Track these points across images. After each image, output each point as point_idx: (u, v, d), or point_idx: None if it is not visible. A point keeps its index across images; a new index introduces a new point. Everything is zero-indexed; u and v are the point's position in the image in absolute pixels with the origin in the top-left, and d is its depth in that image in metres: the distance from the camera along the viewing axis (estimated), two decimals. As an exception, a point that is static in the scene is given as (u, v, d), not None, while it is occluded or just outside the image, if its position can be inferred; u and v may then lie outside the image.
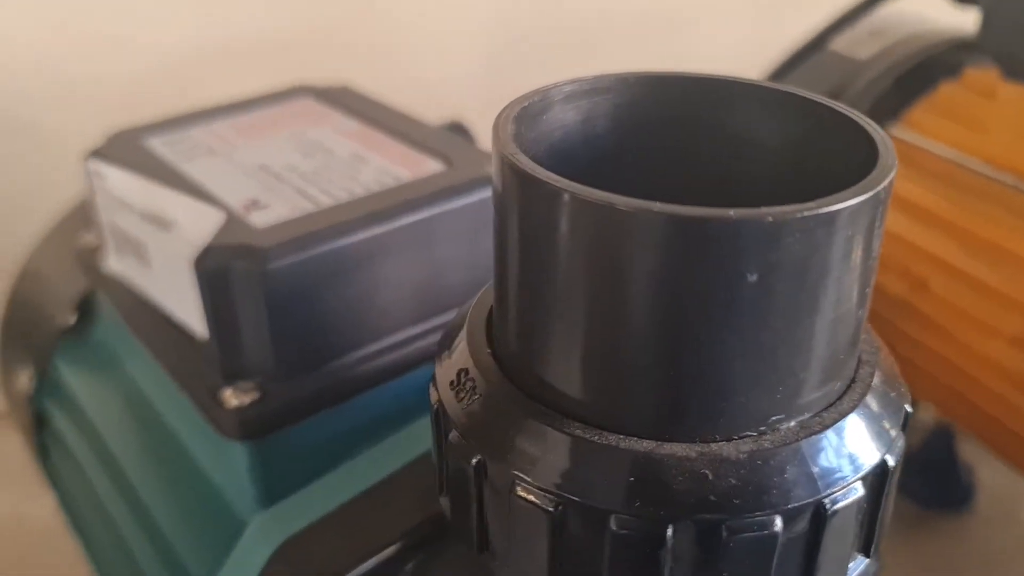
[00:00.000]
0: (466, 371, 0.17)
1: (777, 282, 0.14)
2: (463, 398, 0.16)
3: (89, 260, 0.31)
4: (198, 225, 0.23)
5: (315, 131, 0.30)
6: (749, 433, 0.15)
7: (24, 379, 0.34)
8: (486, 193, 0.26)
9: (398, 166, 0.27)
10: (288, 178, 0.27)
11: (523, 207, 0.15)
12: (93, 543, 0.32)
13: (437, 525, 0.20)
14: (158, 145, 0.29)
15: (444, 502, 0.18)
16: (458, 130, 0.32)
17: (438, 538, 0.20)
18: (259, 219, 0.24)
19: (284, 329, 0.23)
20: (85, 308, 0.34)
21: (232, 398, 0.23)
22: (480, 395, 0.16)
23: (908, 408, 0.17)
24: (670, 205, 0.13)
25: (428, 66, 0.66)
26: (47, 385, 0.34)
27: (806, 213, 0.13)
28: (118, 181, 0.27)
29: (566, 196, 0.14)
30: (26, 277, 0.37)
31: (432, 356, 0.26)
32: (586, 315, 0.15)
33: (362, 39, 0.66)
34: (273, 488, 0.24)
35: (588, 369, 0.15)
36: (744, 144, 0.17)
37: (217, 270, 0.23)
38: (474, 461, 0.16)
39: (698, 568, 0.15)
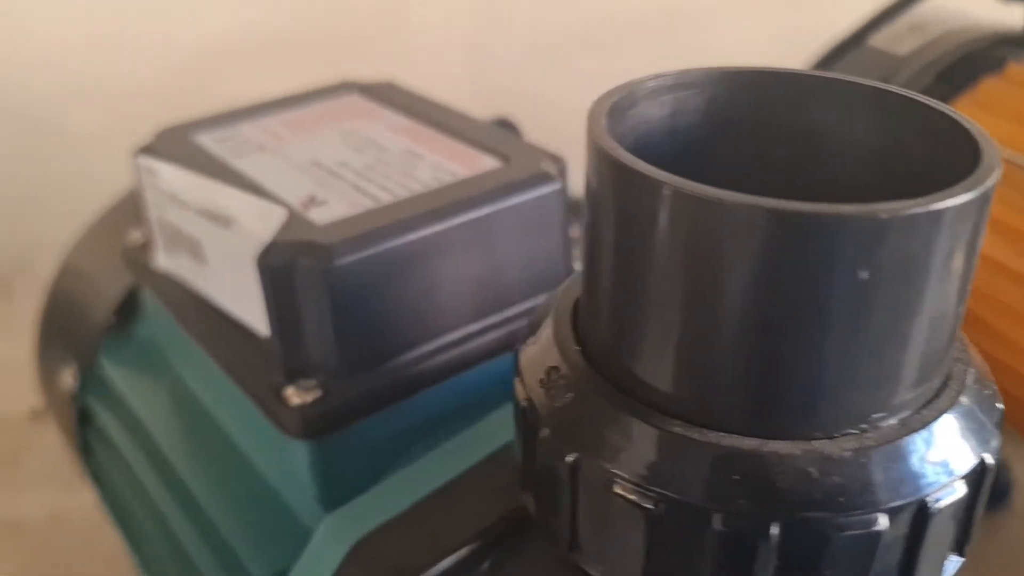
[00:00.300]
0: (556, 368, 0.17)
1: (885, 279, 0.14)
2: (554, 395, 0.16)
3: (136, 257, 0.31)
4: (260, 222, 0.23)
5: (365, 127, 0.30)
6: (850, 431, 0.15)
7: (67, 377, 0.34)
8: (544, 190, 0.26)
9: (453, 162, 0.27)
10: (343, 174, 0.26)
11: (623, 201, 0.15)
12: (139, 539, 0.32)
13: (512, 522, 0.20)
14: (207, 141, 0.29)
15: (528, 499, 0.18)
16: (506, 126, 0.32)
17: (513, 535, 0.20)
18: (319, 216, 0.24)
19: (347, 326, 0.23)
20: (129, 305, 0.34)
21: (295, 396, 0.23)
22: (572, 392, 0.16)
23: (1000, 405, 0.16)
24: (780, 201, 0.13)
25: (458, 61, 0.66)
26: (91, 383, 0.34)
27: (917, 210, 0.13)
28: (172, 178, 0.26)
29: (672, 191, 0.14)
30: (66, 274, 0.37)
31: (490, 354, 0.26)
32: (688, 311, 0.14)
33: (389, 34, 0.66)
34: (334, 486, 0.24)
35: (688, 366, 0.15)
36: (828, 141, 0.17)
37: (281, 267, 0.23)
38: (569, 459, 0.16)
39: (800, 567, 0.14)
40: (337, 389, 0.24)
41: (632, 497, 0.15)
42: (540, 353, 0.17)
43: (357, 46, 0.66)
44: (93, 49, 0.61)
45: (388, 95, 0.32)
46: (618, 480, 0.15)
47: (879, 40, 0.42)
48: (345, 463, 0.24)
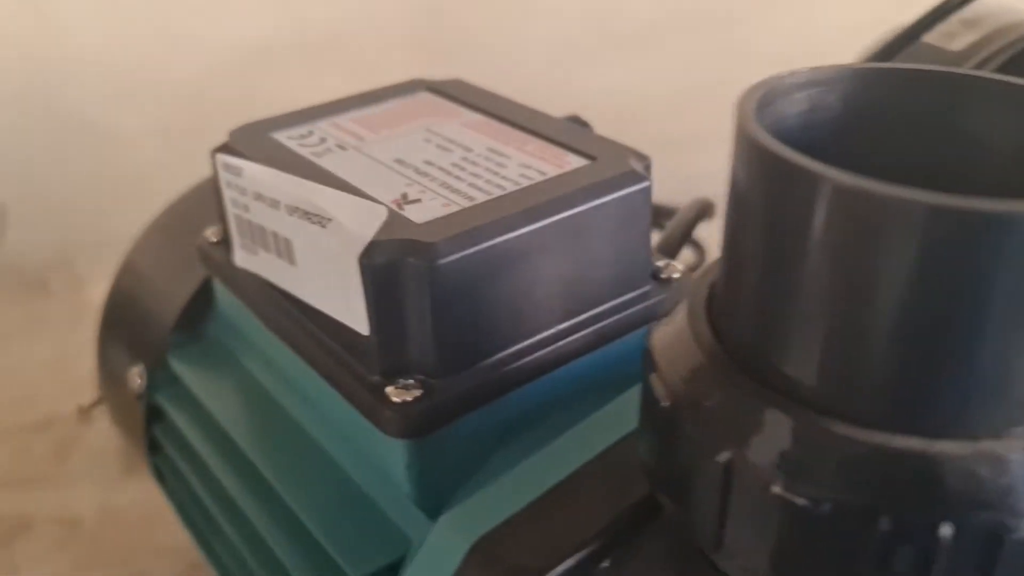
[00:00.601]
0: (698, 365, 0.16)
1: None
2: (699, 393, 0.16)
3: (212, 255, 0.31)
4: (360, 220, 0.23)
5: (442, 125, 0.30)
6: (1015, 429, 0.15)
7: (134, 376, 0.34)
8: (635, 188, 0.26)
9: (540, 161, 0.27)
10: (431, 173, 0.26)
11: (782, 196, 0.15)
12: (210, 536, 0.32)
13: (632, 520, 0.20)
14: (285, 140, 0.29)
15: (664, 499, 0.18)
16: (578, 123, 0.32)
17: (634, 533, 0.20)
18: (415, 214, 0.24)
19: (447, 324, 0.23)
20: (197, 303, 0.34)
21: (396, 394, 0.23)
22: (719, 389, 0.16)
23: None
24: (954, 197, 0.13)
25: (514, 59, 0.66)
26: (160, 382, 0.34)
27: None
28: (259, 176, 0.26)
29: (837, 186, 0.14)
30: (128, 273, 0.37)
31: (579, 352, 0.26)
32: (850, 307, 0.14)
33: (433, 31, 0.66)
34: (428, 485, 0.24)
35: (847, 363, 0.15)
36: (972, 140, 0.17)
37: (385, 266, 0.23)
38: (721, 459, 0.16)
39: (968, 570, 0.14)
40: (436, 388, 0.24)
41: (793, 498, 0.15)
42: (677, 348, 0.17)
43: (403, 43, 0.66)
44: (135, 47, 0.61)
45: (459, 92, 0.32)
46: (779, 481, 0.15)
47: (933, 36, 0.41)
48: (440, 462, 0.24)
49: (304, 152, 0.28)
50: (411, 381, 0.24)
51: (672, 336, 0.18)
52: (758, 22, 0.71)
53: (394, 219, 0.24)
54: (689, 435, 0.16)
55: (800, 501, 0.15)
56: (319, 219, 0.24)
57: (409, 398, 0.23)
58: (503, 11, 0.68)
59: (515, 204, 0.24)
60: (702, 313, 0.18)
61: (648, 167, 0.27)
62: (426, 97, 0.32)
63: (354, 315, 0.24)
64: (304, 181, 0.25)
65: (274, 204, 0.26)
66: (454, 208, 0.24)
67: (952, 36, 0.41)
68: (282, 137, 0.29)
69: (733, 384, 0.16)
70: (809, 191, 0.14)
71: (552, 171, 0.26)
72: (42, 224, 0.64)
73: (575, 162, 0.27)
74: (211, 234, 0.31)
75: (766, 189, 0.15)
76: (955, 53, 0.41)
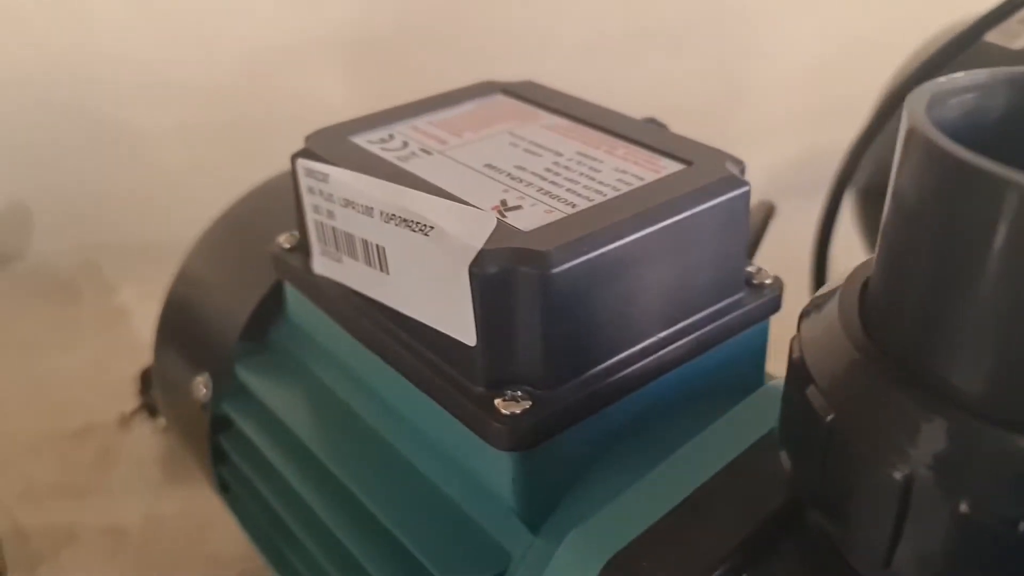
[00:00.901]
0: (863, 378, 0.16)
1: None
2: (867, 408, 0.16)
3: (287, 262, 0.30)
4: (467, 228, 0.23)
5: (524, 129, 0.29)
6: None
7: (199, 386, 0.34)
8: (735, 192, 0.25)
9: (634, 166, 0.26)
10: (525, 178, 0.26)
11: (957, 200, 0.14)
12: (288, 549, 0.31)
13: (770, 532, 0.19)
14: (366, 144, 0.28)
15: (818, 515, 0.17)
16: (656, 126, 0.31)
17: (773, 545, 0.19)
18: (519, 221, 0.23)
19: (558, 334, 0.23)
20: (263, 312, 0.33)
21: (505, 407, 0.23)
22: (888, 401, 0.16)
23: None
24: None
25: (540, 62, 0.66)
26: (227, 391, 0.33)
27: None
28: (347, 182, 0.26)
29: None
30: (188, 280, 0.36)
31: (681, 360, 0.26)
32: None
33: (467, 29, 0.65)
34: (532, 498, 0.24)
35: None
36: None
37: (496, 275, 0.22)
38: (898, 476, 0.15)
39: None
40: (544, 399, 0.23)
41: (983, 517, 0.14)
42: (833, 359, 0.17)
43: (429, 43, 0.65)
44: (163, 48, 0.60)
45: (534, 94, 0.31)
46: (965, 499, 0.14)
47: (994, 35, 0.41)
48: (545, 474, 0.24)
49: (389, 157, 0.27)
50: (519, 393, 0.23)
51: (825, 347, 0.17)
52: (775, 23, 0.70)
53: (499, 227, 0.23)
54: (857, 451, 0.16)
55: (990, 521, 0.14)
56: (420, 227, 0.24)
57: (518, 410, 0.23)
58: (530, 9, 0.68)
59: (620, 210, 0.24)
60: (857, 321, 0.17)
61: (743, 170, 0.27)
62: (501, 100, 0.31)
63: (459, 326, 0.23)
64: (402, 188, 0.25)
65: (367, 211, 0.25)
66: (558, 215, 0.24)
67: (1014, 35, 0.41)
68: (362, 141, 0.29)
69: (906, 397, 0.15)
70: (994, 196, 0.14)
71: (649, 176, 0.26)
72: (69, 228, 0.64)
73: (671, 167, 0.26)
74: (284, 240, 0.31)
75: (943, 193, 0.15)
76: (1018, 52, 0.41)
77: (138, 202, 0.63)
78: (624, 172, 0.26)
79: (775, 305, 0.28)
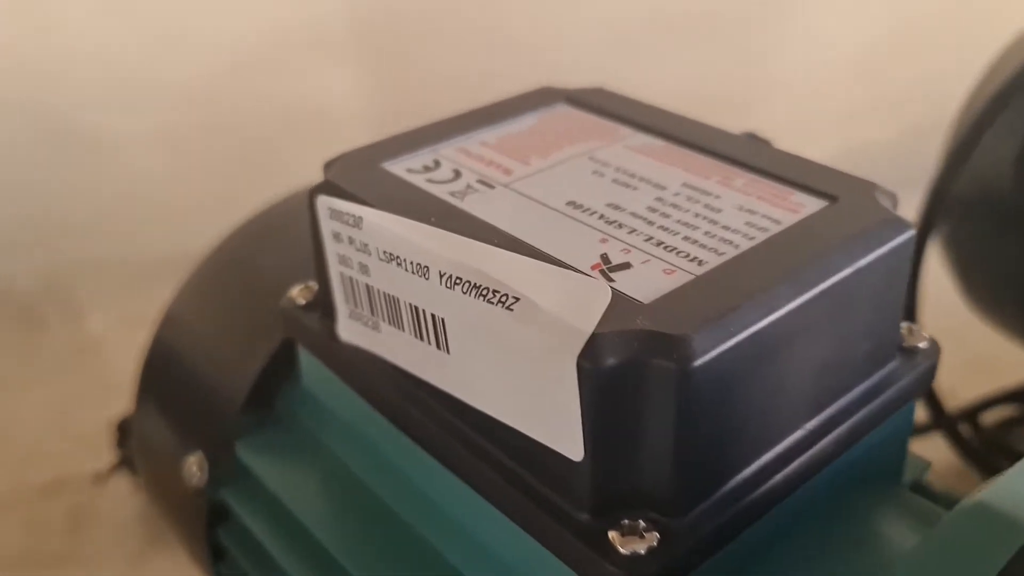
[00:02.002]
0: None
1: None
2: None
3: (300, 323, 0.24)
4: (571, 302, 0.16)
5: (607, 151, 0.23)
6: None
7: (191, 466, 0.27)
8: (899, 239, 0.19)
9: (761, 203, 0.20)
10: (624, 221, 0.20)
11: None
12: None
13: None
14: (405, 174, 0.22)
15: None
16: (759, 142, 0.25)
17: None
18: (632, 287, 0.17)
19: (694, 443, 0.17)
20: (272, 377, 0.27)
21: (624, 543, 0.17)
22: None
23: None
24: None
25: (546, 54, 0.59)
26: (225, 474, 0.27)
27: None
28: (390, 229, 0.20)
29: None
30: (175, 332, 0.30)
31: (831, 457, 0.20)
32: None
33: (454, 22, 0.58)
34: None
35: None
36: None
37: (616, 370, 0.16)
38: None
39: None
40: (675, 530, 0.17)
41: None
42: None
43: (425, 35, 0.59)
44: (136, 43, 0.53)
45: (608, 104, 0.25)
46: None
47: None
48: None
49: (438, 192, 0.21)
50: (640, 523, 0.17)
51: None
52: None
53: (613, 299, 0.17)
54: None
55: None
56: (500, 297, 0.17)
57: (642, 549, 0.17)
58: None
59: (764, 270, 0.18)
60: None
61: (896, 203, 0.21)
62: (568, 112, 0.25)
63: (559, 433, 0.17)
64: (470, 241, 0.18)
65: (419, 270, 0.19)
66: (681, 276, 0.18)
67: None
68: (399, 170, 0.22)
69: None
70: None
71: (785, 218, 0.20)
72: (33, 245, 0.57)
73: (808, 203, 0.20)
74: (298, 295, 0.24)
75: None
76: None
77: (109, 216, 0.56)
78: (752, 212, 0.20)
79: (931, 376, 0.22)
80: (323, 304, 0.23)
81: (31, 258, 0.56)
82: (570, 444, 0.17)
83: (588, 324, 0.16)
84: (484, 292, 0.18)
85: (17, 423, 0.48)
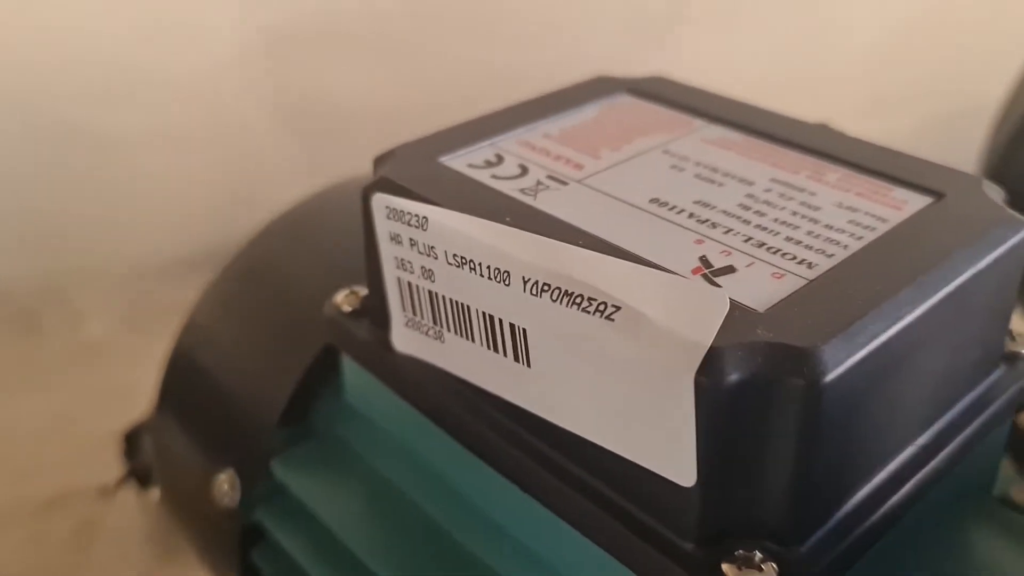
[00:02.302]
0: None
1: None
2: None
3: (347, 331, 0.22)
4: (683, 312, 0.15)
5: (682, 144, 0.21)
6: None
7: (223, 485, 0.25)
8: (1015, 238, 0.18)
9: (861, 199, 0.19)
10: (716, 220, 0.18)
11: None
12: None
13: None
14: (467, 170, 0.20)
15: None
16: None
17: None
18: (741, 292, 0.16)
19: (815, 466, 0.15)
20: (309, 389, 0.25)
21: (740, 578, 0.15)
22: None
23: None
24: None
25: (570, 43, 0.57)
26: (259, 493, 0.25)
27: None
28: (461, 230, 0.18)
29: None
30: (199, 342, 0.28)
31: (941, 474, 0.18)
32: None
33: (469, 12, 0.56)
34: None
35: None
36: None
37: (738, 387, 0.14)
38: None
39: None
40: (794, 562, 0.15)
41: None
42: None
43: (440, 24, 0.57)
44: (132, 41, 0.51)
45: (672, 94, 0.23)
46: None
47: None
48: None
49: (507, 190, 0.19)
50: (756, 553, 0.15)
51: None
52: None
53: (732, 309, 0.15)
54: None
55: None
56: (597, 306, 0.16)
57: (761, 583, 0.15)
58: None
59: (882, 274, 0.16)
60: None
61: (1005, 198, 0.19)
62: (631, 102, 0.23)
63: (667, 455, 0.15)
64: (559, 244, 0.17)
65: (498, 276, 0.17)
66: (794, 281, 0.16)
67: None
68: (459, 165, 0.21)
69: None
70: None
71: (890, 215, 0.18)
72: (28, 248, 0.54)
73: (912, 199, 0.19)
74: (343, 301, 0.23)
75: None
76: None
77: (108, 217, 0.54)
78: (853, 209, 0.18)
79: (1035, 382, 0.20)
80: (374, 311, 0.22)
81: (28, 259, 0.54)
82: (680, 469, 0.15)
83: (706, 336, 0.14)
84: (578, 300, 0.16)
85: (16, 432, 0.46)
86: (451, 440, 0.20)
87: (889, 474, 0.17)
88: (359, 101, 0.54)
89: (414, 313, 0.20)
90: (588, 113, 0.23)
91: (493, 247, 0.17)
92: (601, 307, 0.16)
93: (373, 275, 0.21)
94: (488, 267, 0.17)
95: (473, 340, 0.19)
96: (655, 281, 0.16)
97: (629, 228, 0.18)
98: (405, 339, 0.21)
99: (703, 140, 0.21)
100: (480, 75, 0.51)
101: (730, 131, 0.22)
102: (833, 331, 0.15)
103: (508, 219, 0.18)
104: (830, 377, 0.14)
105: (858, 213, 0.18)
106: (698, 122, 0.22)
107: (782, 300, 0.16)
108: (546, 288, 0.16)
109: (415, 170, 0.20)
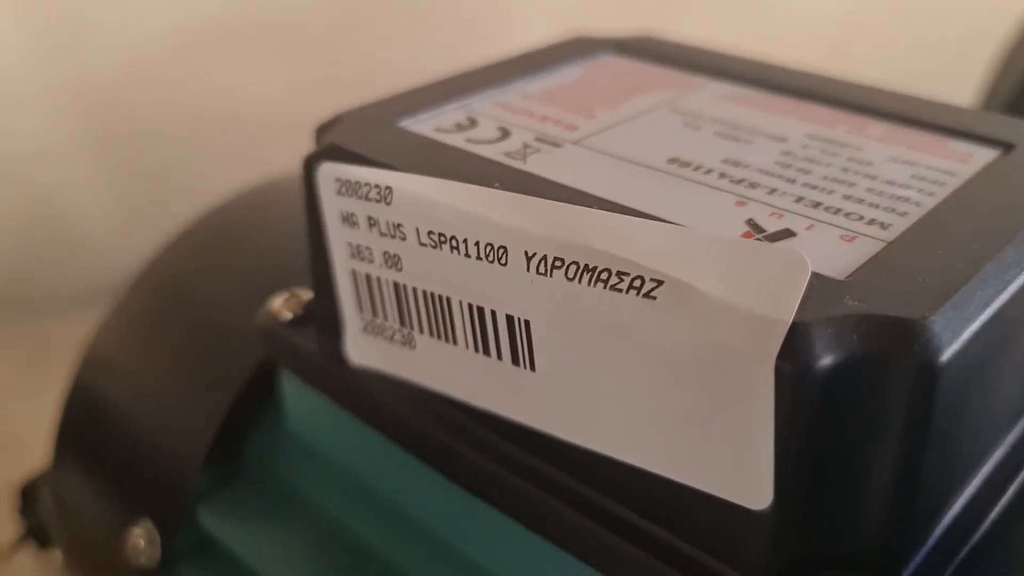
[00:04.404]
0: None
1: None
2: None
3: (286, 343, 0.18)
4: (747, 280, 0.11)
5: (691, 101, 0.18)
6: None
7: (137, 539, 0.21)
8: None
9: (921, 154, 0.16)
10: (753, 180, 0.15)
11: None
12: None
13: None
14: (435, 134, 0.17)
15: None
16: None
17: None
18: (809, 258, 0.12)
19: (924, 471, 0.12)
20: (239, 421, 0.21)
21: (837, 630, 0.12)
22: None
23: None
24: None
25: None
26: (184, 548, 0.20)
27: None
28: (437, 199, 0.14)
29: None
30: (102, 372, 0.23)
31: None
32: None
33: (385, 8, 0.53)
34: None
35: None
36: None
37: (835, 370, 0.11)
38: None
39: None
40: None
41: None
42: None
43: (349, 26, 0.53)
44: (23, 50, 0.45)
45: (668, 53, 0.20)
46: None
47: None
48: None
49: (489, 154, 0.16)
50: (853, 591, 0.12)
51: None
52: None
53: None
54: None
55: None
56: (631, 281, 0.12)
57: (863, 634, 0.12)
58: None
59: (972, 233, 0.13)
60: None
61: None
62: (619, 62, 0.20)
63: (731, 472, 0.12)
64: (572, 208, 0.13)
65: (491, 254, 0.13)
66: (869, 244, 0.13)
67: None
68: (424, 129, 0.17)
69: None
70: None
71: (958, 169, 0.15)
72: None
73: (977, 152, 0.16)
74: (282, 307, 0.18)
75: None
76: None
77: (6, 242, 0.48)
78: (911, 163, 0.15)
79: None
80: (321, 317, 0.17)
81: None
82: (750, 488, 0.12)
83: (785, 310, 0.11)
84: (603, 276, 0.12)
85: None
86: (426, 471, 0.16)
87: (985, 478, 0.14)
88: (271, 108, 0.50)
89: (374, 314, 0.16)
90: (571, 73, 0.19)
91: (483, 217, 0.13)
92: (636, 283, 0.12)
93: (319, 270, 0.17)
94: (477, 244, 0.14)
95: (455, 342, 0.15)
96: (705, 245, 0.12)
97: (649, 191, 0.14)
98: (363, 348, 0.17)
99: (714, 97, 0.18)
100: (403, 75, 0.47)
101: (742, 87, 0.18)
102: (940, 299, 0.11)
103: (497, 185, 0.14)
104: (947, 355, 0.11)
105: (919, 167, 0.15)
106: (702, 79, 0.19)
107: (863, 265, 0.12)
108: (558, 264, 0.13)
109: (371, 135, 0.16)
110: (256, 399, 0.21)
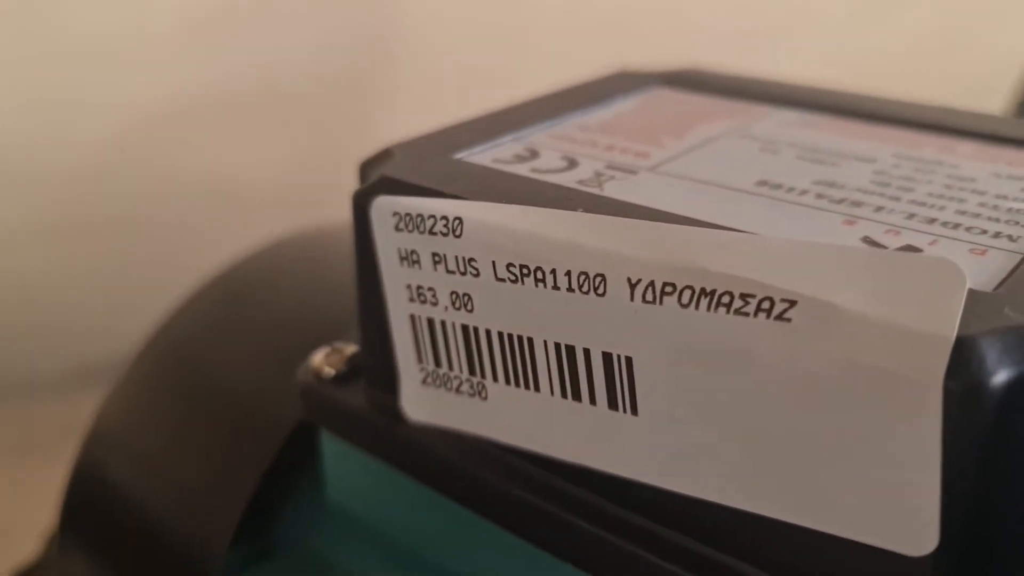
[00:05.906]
0: None
1: None
2: None
3: (330, 401, 0.16)
4: (896, 294, 0.10)
5: (760, 128, 0.17)
6: None
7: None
8: None
9: (1015, 167, 0.15)
10: (855, 199, 0.14)
11: None
12: None
13: None
14: (493, 164, 0.15)
15: None
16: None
17: None
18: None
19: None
20: (269, 491, 0.19)
21: None
22: None
23: None
24: None
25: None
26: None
27: None
28: (516, 228, 0.13)
29: None
30: (109, 448, 0.21)
31: None
32: None
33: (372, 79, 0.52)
34: None
35: None
36: None
37: (1011, 388, 0.10)
38: None
39: None
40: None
41: None
42: None
43: (344, 98, 0.52)
44: (8, 127, 0.44)
45: (720, 83, 0.19)
46: None
47: None
48: None
49: (561, 182, 0.15)
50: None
51: None
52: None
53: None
54: None
55: None
56: (758, 303, 0.11)
57: None
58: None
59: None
60: None
61: None
62: (670, 94, 0.19)
63: (887, 514, 0.10)
64: (683, 228, 0.12)
65: (586, 284, 0.12)
66: (1005, 257, 0.12)
67: None
68: (483, 160, 0.16)
69: None
70: None
71: (1066, 182, 0.14)
72: None
73: (1077, 166, 0.15)
74: (323, 362, 0.17)
75: None
76: None
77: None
78: (1018, 179, 0.14)
79: None
80: (371, 371, 0.16)
81: None
82: (911, 531, 0.10)
83: (947, 324, 0.10)
84: (724, 300, 0.11)
85: None
86: (506, 536, 0.14)
87: None
88: (263, 183, 0.49)
89: (437, 363, 0.15)
90: (624, 106, 0.18)
91: (575, 243, 0.12)
92: (765, 305, 0.11)
93: (369, 319, 0.15)
94: (568, 274, 0.12)
95: (537, 388, 0.13)
96: (838, 258, 0.11)
97: (747, 213, 0.13)
98: (423, 402, 0.15)
99: (782, 123, 0.17)
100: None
101: (808, 113, 0.18)
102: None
103: (581, 209, 0.13)
104: None
105: (1019, 184, 0.14)
106: (763, 108, 0.18)
107: (1009, 276, 0.11)
108: (668, 290, 0.11)
109: (428, 166, 0.15)
110: (291, 467, 0.19)
